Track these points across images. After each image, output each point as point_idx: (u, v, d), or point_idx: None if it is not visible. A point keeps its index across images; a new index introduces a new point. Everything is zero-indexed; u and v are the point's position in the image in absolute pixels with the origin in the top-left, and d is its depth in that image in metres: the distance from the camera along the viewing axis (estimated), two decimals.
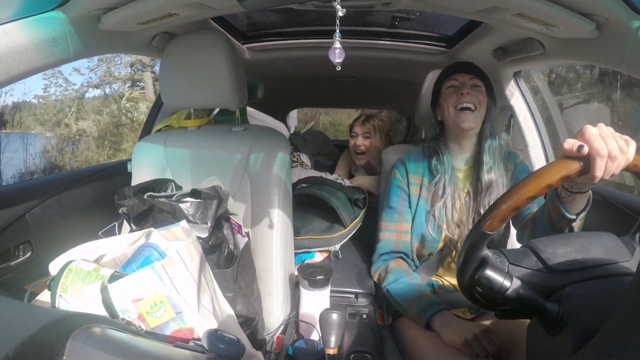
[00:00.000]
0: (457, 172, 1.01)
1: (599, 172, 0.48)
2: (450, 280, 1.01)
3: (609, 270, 0.51)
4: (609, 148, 0.48)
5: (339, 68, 0.64)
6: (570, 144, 0.49)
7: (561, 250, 0.54)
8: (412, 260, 1.03)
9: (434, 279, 1.01)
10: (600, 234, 0.56)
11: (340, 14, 0.62)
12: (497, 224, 0.50)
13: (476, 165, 0.99)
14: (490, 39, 1.14)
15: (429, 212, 0.99)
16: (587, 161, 0.49)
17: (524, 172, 0.99)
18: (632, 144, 0.50)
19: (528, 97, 1.36)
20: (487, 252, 0.53)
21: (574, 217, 0.65)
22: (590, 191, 0.64)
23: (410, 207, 1.02)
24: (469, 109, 0.94)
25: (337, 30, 0.62)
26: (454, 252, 0.99)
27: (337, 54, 0.63)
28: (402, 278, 0.95)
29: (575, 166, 0.49)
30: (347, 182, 1.58)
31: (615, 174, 0.50)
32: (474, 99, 0.94)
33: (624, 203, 0.96)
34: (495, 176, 0.96)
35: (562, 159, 0.50)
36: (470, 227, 0.60)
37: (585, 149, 0.48)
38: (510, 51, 1.12)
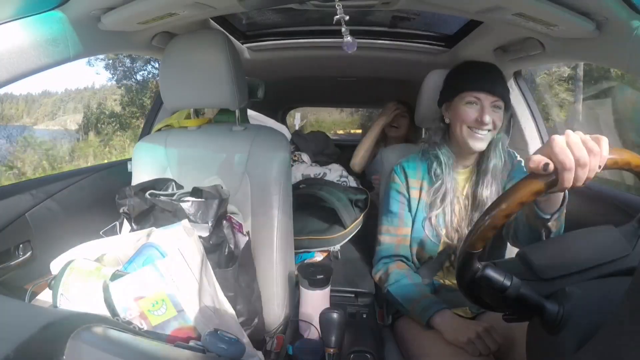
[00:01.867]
0: (458, 175, 0.99)
1: (567, 184, 0.47)
2: (451, 279, 1.01)
3: (603, 270, 0.51)
4: (576, 157, 0.46)
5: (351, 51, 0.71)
6: (536, 162, 0.48)
7: (552, 257, 0.54)
8: (413, 262, 1.03)
9: (435, 278, 1.01)
10: (596, 230, 0.56)
11: (340, 13, 0.65)
12: (480, 244, 0.52)
13: (477, 172, 0.98)
14: (490, 38, 1.13)
15: (425, 218, 0.97)
16: (556, 174, 0.48)
17: (520, 173, 0.98)
18: (604, 142, 0.47)
19: (528, 96, 1.36)
20: (478, 265, 0.53)
21: (548, 216, 0.64)
22: (565, 191, 0.62)
23: (410, 210, 1.01)
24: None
25: (344, 28, 0.66)
26: (452, 257, 0.98)
27: (349, 45, 0.71)
28: (403, 279, 0.95)
29: (544, 182, 0.48)
30: (351, 181, 1.59)
31: (590, 178, 0.48)
32: (491, 124, 0.90)
33: (624, 201, 0.96)
34: (491, 191, 0.94)
35: (532, 175, 0.49)
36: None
37: (551, 167, 0.47)
38: (510, 51, 1.12)
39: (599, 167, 0.47)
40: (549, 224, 0.65)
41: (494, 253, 0.99)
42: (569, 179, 0.47)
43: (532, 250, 0.56)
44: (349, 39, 0.70)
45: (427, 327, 0.85)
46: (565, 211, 0.67)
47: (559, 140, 0.47)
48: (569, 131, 0.48)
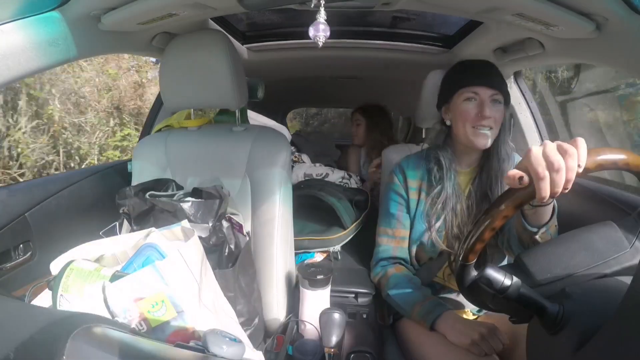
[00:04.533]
0: (460, 176, 0.97)
1: (544, 192, 0.47)
2: (451, 282, 1.00)
3: (601, 270, 0.51)
4: (550, 161, 0.46)
5: (320, 44, 0.61)
6: (510, 177, 0.49)
7: (548, 261, 0.55)
8: (412, 265, 1.02)
9: (435, 280, 1.01)
10: (592, 229, 0.56)
11: None
12: (472, 256, 0.53)
13: (482, 171, 0.95)
14: (490, 39, 1.13)
15: (426, 229, 0.95)
16: (533, 184, 0.48)
17: None
18: (580, 142, 0.47)
19: (528, 96, 1.36)
20: (475, 273, 0.54)
21: (535, 230, 0.65)
22: (554, 203, 0.64)
23: (409, 212, 0.99)
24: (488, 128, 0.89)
25: (322, 7, 0.59)
26: (452, 257, 0.97)
27: (320, 29, 0.60)
28: (403, 282, 0.94)
29: (523, 194, 0.49)
30: (352, 183, 1.58)
31: (570, 179, 0.47)
32: (492, 120, 0.88)
33: (622, 200, 0.96)
34: (504, 188, 0.93)
35: (511, 189, 0.50)
36: None
37: (525, 179, 0.48)
38: (510, 51, 1.12)
39: (578, 166, 0.47)
40: (537, 237, 0.66)
41: (494, 260, 0.99)
42: (545, 188, 0.47)
43: (527, 255, 0.57)
44: (321, 20, 0.59)
45: (431, 330, 0.84)
46: (556, 224, 0.68)
47: (534, 151, 0.48)
48: (546, 141, 0.49)
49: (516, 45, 1.07)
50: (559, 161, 0.46)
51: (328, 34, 0.61)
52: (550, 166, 0.46)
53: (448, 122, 0.97)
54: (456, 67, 0.97)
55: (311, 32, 0.61)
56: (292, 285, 1.01)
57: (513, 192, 0.50)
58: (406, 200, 1.00)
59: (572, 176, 0.47)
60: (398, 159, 1.08)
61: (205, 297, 0.61)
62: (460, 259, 0.54)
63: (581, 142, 0.47)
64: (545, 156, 0.47)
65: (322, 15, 0.60)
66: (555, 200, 0.64)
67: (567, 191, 0.48)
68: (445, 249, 0.94)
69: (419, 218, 0.98)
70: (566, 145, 0.47)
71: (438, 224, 0.94)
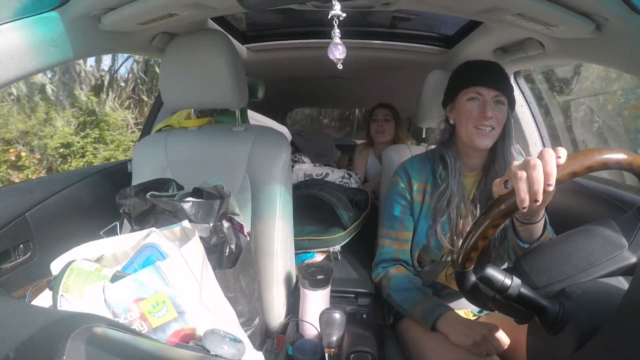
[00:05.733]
0: (464, 179, 0.96)
1: (523, 193, 0.49)
2: (453, 282, 1.00)
3: (599, 270, 0.51)
4: (526, 161, 0.49)
5: (340, 66, 0.63)
6: (496, 183, 0.53)
7: (545, 265, 0.55)
8: (413, 266, 1.02)
9: (437, 280, 1.01)
10: (588, 229, 0.56)
11: (337, 12, 0.60)
12: (469, 263, 0.55)
13: (487, 175, 0.94)
14: (490, 39, 1.13)
15: (430, 227, 0.95)
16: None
17: None
18: (559, 147, 0.49)
19: (528, 96, 1.36)
20: (473, 277, 0.55)
21: (527, 246, 0.67)
22: (544, 220, 0.65)
23: (412, 214, 0.99)
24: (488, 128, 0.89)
25: (335, 27, 0.60)
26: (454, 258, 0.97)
27: (338, 51, 0.62)
28: (404, 283, 0.94)
29: (509, 201, 0.51)
30: (352, 183, 1.59)
31: (550, 173, 0.48)
32: (494, 120, 0.88)
33: (620, 199, 0.96)
34: None
35: (498, 198, 0.52)
36: None
37: (510, 183, 0.50)
38: (510, 51, 1.12)
39: (559, 157, 0.48)
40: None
41: (495, 264, 0.98)
42: (523, 189, 0.49)
43: (526, 260, 0.57)
44: (337, 40, 0.61)
45: (432, 330, 0.84)
46: (551, 237, 0.68)
47: (515, 162, 0.51)
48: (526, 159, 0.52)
49: (516, 45, 1.07)
50: (535, 159, 0.49)
51: (344, 54, 0.62)
52: (527, 164, 0.49)
53: (452, 121, 0.97)
54: (462, 67, 0.97)
55: (331, 55, 0.63)
56: (292, 285, 1.01)
57: (500, 201, 0.51)
58: (410, 203, 0.99)
59: (551, 169, 0.48)
60: (398, 159, 1.07)
61: (206, 297, 0.60)
62: (458, 267, 0.55)
63: (559, 148, 0.50)
64: (523, 160, 0.50)
65: (337, 35, 0.61)
66: (546, 215, 0.66)
67: (551, 188, 0.48)
68: (449, 247, 0.94)
69: (423, 219, 0.97)
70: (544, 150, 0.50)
71: (442, 221, 0.94)
